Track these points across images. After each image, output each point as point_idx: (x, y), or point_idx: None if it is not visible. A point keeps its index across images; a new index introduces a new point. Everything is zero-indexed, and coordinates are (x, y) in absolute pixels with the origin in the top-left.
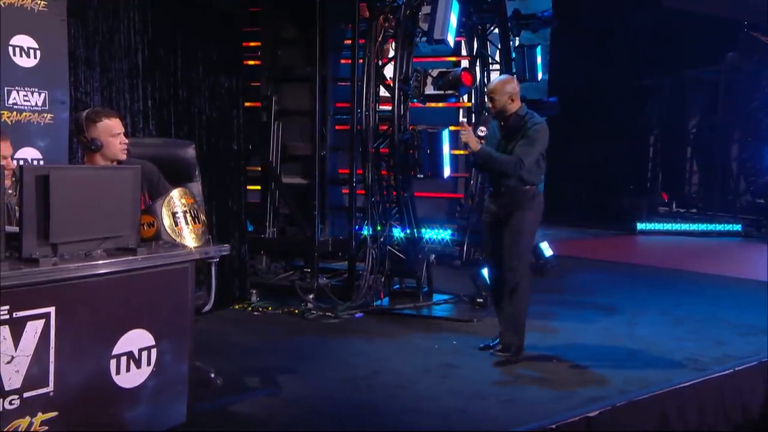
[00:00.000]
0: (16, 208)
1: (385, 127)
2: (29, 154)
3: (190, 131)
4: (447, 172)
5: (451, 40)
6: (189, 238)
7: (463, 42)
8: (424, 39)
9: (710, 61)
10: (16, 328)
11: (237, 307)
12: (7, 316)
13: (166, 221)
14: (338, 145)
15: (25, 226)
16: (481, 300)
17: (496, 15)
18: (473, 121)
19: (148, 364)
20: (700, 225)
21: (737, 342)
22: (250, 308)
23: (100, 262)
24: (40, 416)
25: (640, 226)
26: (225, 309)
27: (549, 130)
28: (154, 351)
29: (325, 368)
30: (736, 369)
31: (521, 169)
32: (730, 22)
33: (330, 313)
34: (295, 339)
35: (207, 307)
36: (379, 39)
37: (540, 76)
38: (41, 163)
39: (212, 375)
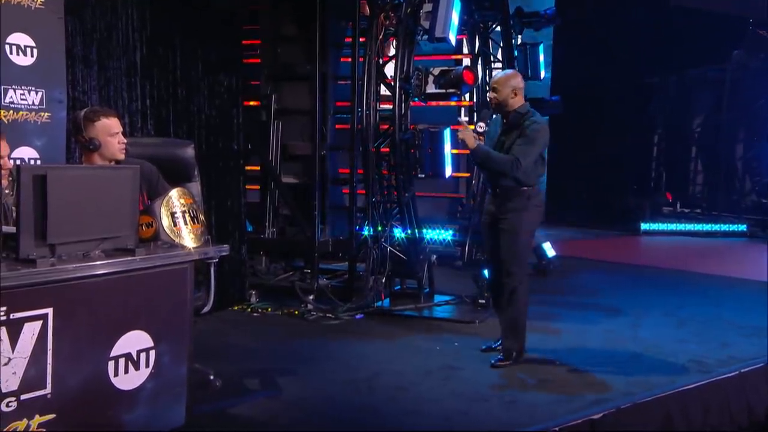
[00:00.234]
0: (13, 208)
1: (385, 126)
2: (26, 153)
3: (189, 130)
4: (448, 171)
5: (452, 38)
6: (188, 238)
7: (464, 40)
8: (426, 37)
9: (716, 59)
10: (14, 330)
11: (236, 308)
12: (5, 318)
13: (165, 221)
14: (338, 145)
15: (22, 227)
16: (483, 301)
17: (499, 13)
18: (475, 119)
19: (147, 365)
20: (704, 225)
21: (742, 343)
22: (249, 309)
23: (98, 262)
24: (38, 418)
25: (643, 226)
26: (224, 310)
27: (551, 129)
28: (152, 352)
29: (325, 370)
30: (741, 371)
31: (518, 170)
32: (736, 20)
33: (330, 315)
34: (295, 340)
35: (206, 308)
36: (380, 37)
37: (543, 74)
38: (38, 162)
39: (211, 377)
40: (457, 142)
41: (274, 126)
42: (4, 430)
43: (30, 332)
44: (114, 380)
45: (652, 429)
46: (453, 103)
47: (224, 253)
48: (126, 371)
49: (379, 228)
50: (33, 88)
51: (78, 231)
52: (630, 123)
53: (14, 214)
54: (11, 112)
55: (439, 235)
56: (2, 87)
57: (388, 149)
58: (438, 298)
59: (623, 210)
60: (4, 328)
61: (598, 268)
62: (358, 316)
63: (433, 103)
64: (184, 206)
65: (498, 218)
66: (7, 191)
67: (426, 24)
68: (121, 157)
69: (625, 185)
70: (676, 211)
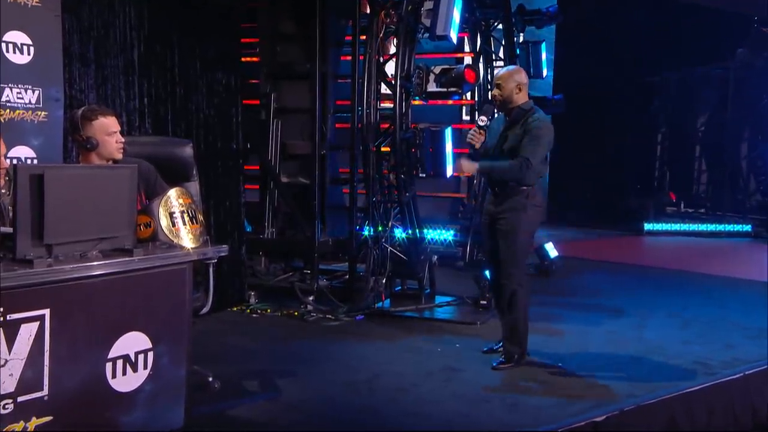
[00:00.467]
0: (10, 208)
1: (386, 126)
2: (23, 152)
3: (188, 129)
4: (450, 171)
5: (454, 36)
6: (186, 238)
7: (466, 38)
8: (427, 35)
9: (720, 57)
10: (10, 331)
11: (235, 309)
12: (1, 319)
13: (164, 221)
14: (338, 144)
15: (19, 227)
16: (485, 302)
17: (500, 10)
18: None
19: (145, 367)
20: (708, 225)
21: (747, 345)
22: (248, 310)
23: (96, 263)
24: (35, 421)
25: (647, 226)
26: (223, 311)
27: (554, 128)
28: (150, 354)
29: (325, 371)
30: (746, 373)
31: (528, 169)
32: (740, 18)
33: (330, 316)
34: (295, 342)
35: (205, 309)
36: (381, 35)
37: (545, 72)
38: (35, 162)
39: (210, 378)
40: (459, 142)
41: (274, 125)
42: None
43: (27, 333)
44: (112, 382)
45: (656, 431)
46: (454, 102)
47: (223, 254)
48: (124, 373)
49: (380, 228)
50: (30, 87)
51: (75, 231)
52: (633, 122)
53: (11, 214)
54: (8, 110)
55: (440, 235)
56: None
57: (388, 148)
58: (439, 299)
59: (626, 210)
60: (0, 330)
61: (601, 268)
62: (358, 317)
63: (434, 102)
64: (182, 206)
65: (496, 218)
66: (3, 191)
67: (427, 22)
68: (119, 156)
69: (628, 185)
70: (680, 211)
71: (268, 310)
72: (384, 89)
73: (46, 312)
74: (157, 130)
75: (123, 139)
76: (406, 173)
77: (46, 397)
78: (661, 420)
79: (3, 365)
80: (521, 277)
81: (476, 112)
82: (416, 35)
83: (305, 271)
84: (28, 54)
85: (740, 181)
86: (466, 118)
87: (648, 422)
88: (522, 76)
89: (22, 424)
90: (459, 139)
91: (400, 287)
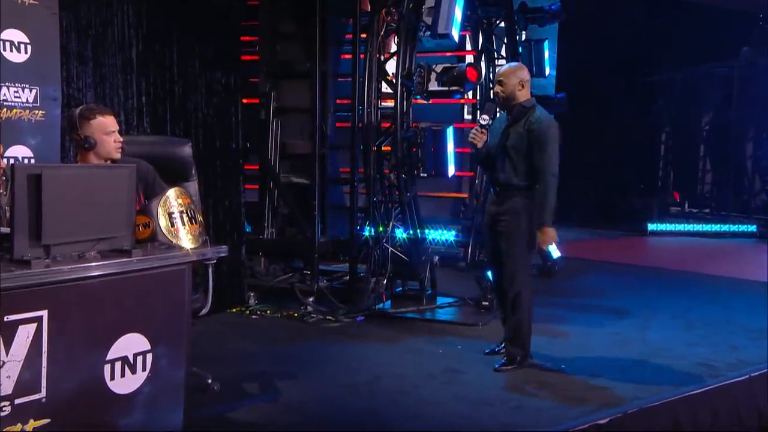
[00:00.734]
0: (7, 208)
1: (387, 125)
2: (20, 152)
3: (186, 129)
4: (451, 170)
5: (455, 34)
6: (186, 239)
7: (467, 36)
8: (428, 33)
9: (724, 56)
10: (8, 333)
11: (234, 310)
12: None
13: (162, 222)
14: (339, 143)
15: (16, 227)
16: (487, 303)
17: (502, 8)
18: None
19: (144, 369)
20: (713, 226)
21: (751, 347)
22: (248, 311)
23: (94, 263)
24: (32, 423)
25: (650, 226)
26: (222, 312)
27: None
28: (149, 356)
29: (325, 373)
30: (751, 375)
31: (553, 177)
32: (744, 16)
33: (330, 317)
34: (295, 343)
35: (204, 311)
36: (381, 33)
37: (548, 71)
38: (32, 161)
39: (209, 380)
40: (460, 141)
41: (274, 124)
42: None
43: (24, 335)
44: (110, 384)
45: None
46: (456, 101)
47: (222, 254)
48: (122, 375)
49: (381, 228)
50: (27, 86)
51: (73, 231)
52: (637, 121)
53: (8, 215)
54: (5, 109)
55: (442, 235)
56: None
57: (389, 148)
58: (440, 300)
59: (630, 210)
60: None
61: (605, 269)
62: (358, 319)
63: (436, 100)
64: (181, 206)
65: (498, 219)
66: (1, 191)
67: (428, 20)
68: (117, 156)
69: (631, 185)
70: (684, 211)
71: (268, 312)
72: (385, 88)
73: (44, 313)
74: (155, 129)
75: (121, 139)
76: (407, 173)
77: (43, 399)
78: (664, 423)
79: (0, 367)
80: (525, 279)
81: (478, 111)
82: (417, 33)
83: (305, 271)
84: (26, 52)
85: (745, 180)
86: (467, 117)
87: (652, 425)
88: (524, 73)
89: (19, 426)
90: (460, 138)
91: (401, 288)
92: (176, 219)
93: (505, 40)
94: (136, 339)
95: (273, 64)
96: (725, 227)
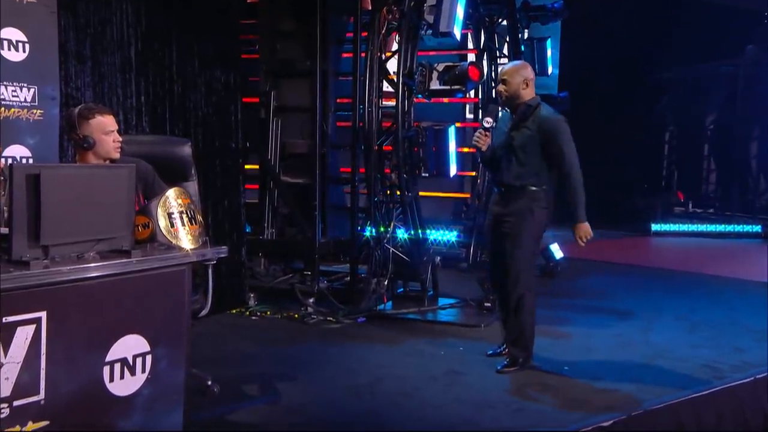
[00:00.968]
0: (5, 208)
1: (388, 124)
2: (18, 151)
3: (186, 128)
4: (453, 170)
5: (457, 32)
6: (185, 239)
7: (469, 35)
8: (430, 32)
9: (729, 54)
10: (6, 334)
11: (234, 311)
12: None
13: (162, 222)
14: (339, 143)
15: (14, 228)
16: (489, 304)
17: (504, 6)
18: (480, 116)
19: (143, 371)
20: (717, 226)
21: (756, 348)
22: (248, 313)
23: (93, 264)
24: (31, 425)
25: (654, 227)
26: (222, 313)
27: None
28: (149, 357)
29: (325, 375)
30: (756, 377)
31: (577, 165)
32: (749, 14)
33: (331, 318)
34: (295, 344)
35: (204, 312)
36: (383, 32)
37: (550, 70)
38: (30, 161)
39: (209, 382)
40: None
41: (274, 123)
42: None
43: (23, 336)
44: (109, 386)
45: None
46: (458, 100)
47: (223, 255)
48: (122, 377)
49: (382, 229)
50: (25, 85)
51: (72, 232)
52: (640, 120)
53: (6, 215)
54: (3, 109)
55: (444, 236)
56: None
57: (390, 147)
58: (442, 301)
59: (633, 210)
60: None
61: (608, 270)
62: (359, 320)
63: (437, 100)
64: (181, 206)
65: (502, 220)
66: None
67: (430, 18)
68: (116, 155)
69: (635, 184)
70: (688, 211)
71: (268, 313)
72: (386, 87)
73: (43, 314)
74: (154, 128)
75: (120, 138)
76: (409, 173)
77: (42, 402)
78: (668, 425)
79: None
80: (529, 281)
81: (480, 111)
82: (419, 32)
83: (305, 272)
84: (24, 51)
85: (750, 180)
86: (469, 116)
87: (655, 428)
88: (528, 72)
89: (18, 428)
90: (462, 137)
91: (402, 289)
92: (176, 219)
93: (508, 39)
94: (135, 340)
95: (273, 63)
96: (730, 227)
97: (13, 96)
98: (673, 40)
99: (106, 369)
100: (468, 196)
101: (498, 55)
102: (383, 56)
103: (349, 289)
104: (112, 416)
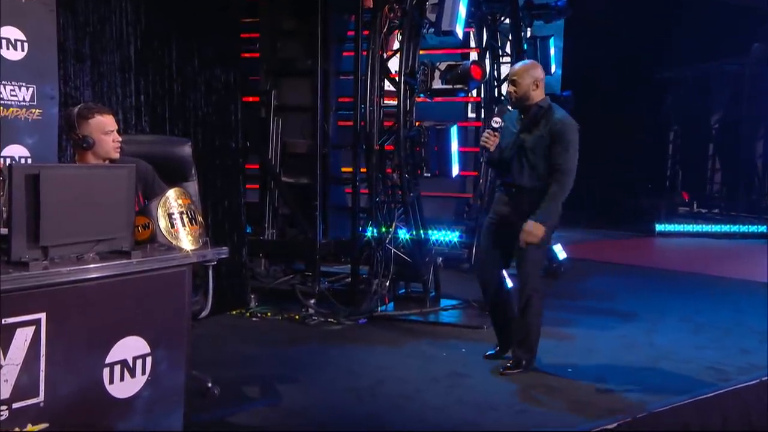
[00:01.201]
0: (4, 209)
1: (390, 124)
2: (16, 151)
3: (186, 128)
4: (455, 170)
5: (459, 31)
6: (186, 240)
7: (472, 33)
8: (432, 30)
9: (734, 53)
10: (5, 336)
11: (235, 312)
12: None
13: (162, 223)
14: (341, 143)
15: (14, 228)
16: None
17: (507, 4)
18: (482, 116)
19: (143, 372)
20: (722, 226)
21: (762, 350)
22: (248, 314)
23: (93, 265)
24: (30, 427)
25: (658, 227)
26: (222, 314)
27: None
28: (149, 359)
29: (326, 377)
30: (762, 379)
31: (569, 178)
32: (755, 12)
33: (332, 319)
34: (296, 346)
35: (204, 313)
36: (384, 30)
37: (554, 69)
38: (29, 161)
39: (209, 384)
40: (464, 140)
41: (274, 123)
42: None
43: (22, 338)
44: (109, 388)
45: None
46: (460, 99)
47: (223, 256)
48: (121, 378)
49: (383, 229)
50: (24, 84)
51: (72, 233)
52: (645, 119)
53: (5, 215)
54: (1, 108)
55: (446, 236)
56: None
57: (392, 147)
58: (444, 303)
59: (637, 210)
60: None
61: (612, 271)
62: (360, 321)
63: (440, 99)
64: (181, 207)
65: (510, 221)
66: None
67: (432, 16)
68: (116, 155)
69: (639, 184)
70: (693, 211)
71: (269, 314)
72: (387, 86)
73: (42, 316)
74: (154, 128)
75: (120, 138)
76: (411, 173)
77: (42, 404)
78: (673, 428)
79: None
80: (536, 283)
81: (482, 110)
82: (421, 30)
83: (306, 273)
84: (22, 50)
85: (755, 180)
86: (471, 115)
87: (660, 430)
88: (538, 72)
89: (17, 430)
90: (465, 137)
91: (404, 290)
92: (176, 220)
93: (510, 37)
94: (135, 342)
95: (273, 62)
96: (735, 228)
97: (11, 95)
98: (678, 39)
99: (106, 371)
100: (470, 196)
101: (501, 53)
102: (385, 55)
103: (350, 290)
104: (112, 418)
